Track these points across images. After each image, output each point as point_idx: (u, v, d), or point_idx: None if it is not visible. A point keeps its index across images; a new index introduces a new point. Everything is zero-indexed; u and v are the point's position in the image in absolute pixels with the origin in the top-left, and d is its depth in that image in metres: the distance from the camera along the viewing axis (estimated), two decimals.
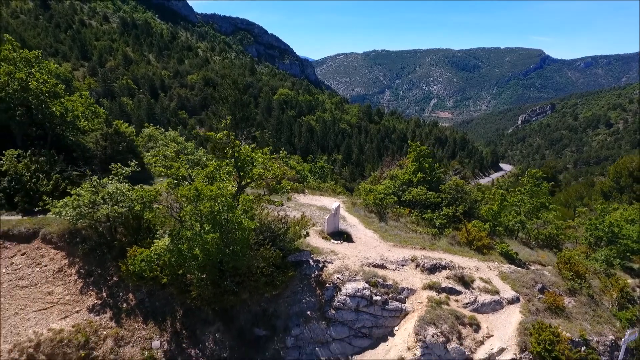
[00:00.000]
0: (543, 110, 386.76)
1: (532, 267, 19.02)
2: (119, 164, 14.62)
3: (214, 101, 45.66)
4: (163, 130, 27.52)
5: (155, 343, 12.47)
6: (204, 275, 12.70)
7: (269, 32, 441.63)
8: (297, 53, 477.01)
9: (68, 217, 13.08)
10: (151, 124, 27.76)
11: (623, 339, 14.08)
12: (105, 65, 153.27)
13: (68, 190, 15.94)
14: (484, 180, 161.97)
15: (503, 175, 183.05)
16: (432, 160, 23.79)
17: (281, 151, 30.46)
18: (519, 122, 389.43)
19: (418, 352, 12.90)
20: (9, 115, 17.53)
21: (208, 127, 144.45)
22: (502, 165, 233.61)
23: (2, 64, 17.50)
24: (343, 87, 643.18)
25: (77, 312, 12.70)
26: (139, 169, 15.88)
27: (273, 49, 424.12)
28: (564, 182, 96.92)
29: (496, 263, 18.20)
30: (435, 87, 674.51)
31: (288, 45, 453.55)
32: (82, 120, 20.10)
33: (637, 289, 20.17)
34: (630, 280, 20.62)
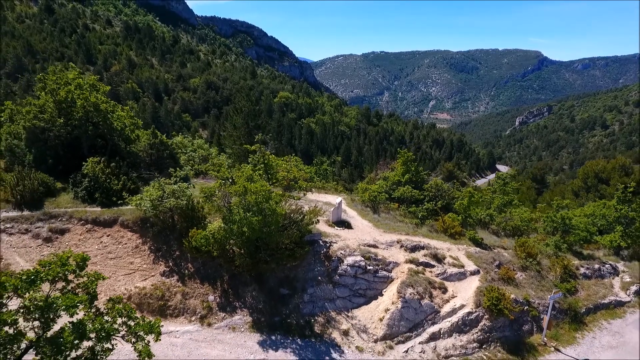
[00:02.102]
0: (540, 112, 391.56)
1: (495, 250, 23.88)
2: (178, 168, 19.50)
3: (229, 111, 50.56)
4: (190, 138, 32.39)
5: (210, 297, 17.30)
6: (243, 250, 17.51)
7: (269, 34, 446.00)
8: (297, 54, 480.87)
9: (144, 208, 17.94)
10: (180, 134, 32.60)
11: (550, 297, 18.94)
12: (110, 69, 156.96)
13: (131, 188, 20.90)
14: (480, 181, 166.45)
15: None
16: (417, 164, 28.74)
17: (292, 156, 35.32)
18: (517, 123, 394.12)
19: (399, 305, 17.74)
20: (82, 131, 22.35)
21: (211, 129, 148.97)
22: (498, 166, 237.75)
23: (76, 90, 22.30)
24: (342, 89, 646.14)
25: (152, 276, 17.53)
26: (192, 171, 20.71)
27: (272, 51, 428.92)
28: (553, 182, 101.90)
29: (465, 246, 23.07)
30: (433, 88, 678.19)
31: (287, 48, 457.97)
32: (132, 132, 24.92)
33: (581, 268, 25.08)
34: (576, 262, 25.51)
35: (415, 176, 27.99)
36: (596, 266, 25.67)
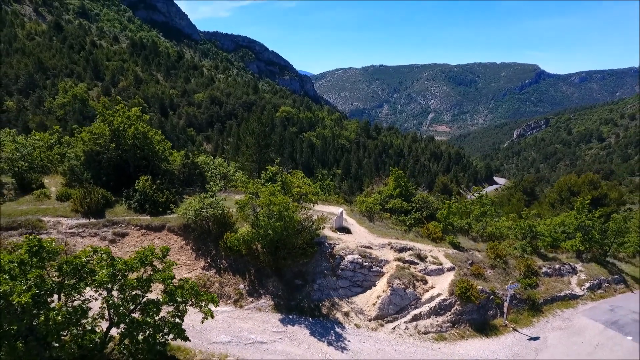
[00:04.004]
0: (537, 124, 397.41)
1: (470, 252, 28.75)
2: (213, 185, 24.48)
3: (242, 132, 55.88)
4: (212, 157, 37.45)
5: (241, 286, 22.16)
6: (266, 249, 22.40)
7: (270, 49, 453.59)
8: (297, 67, 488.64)
9: (188, 216, 22.88)
10: (203, 154, 37.60)
11: (508, 286, 23.80)
12: (118, 85, 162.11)
13: (172, 200, 25.84)
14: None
15: (496, 189, 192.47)
16: (406, 180, 33.78)
17: (300, 172, 40.32)
18: (515, 136, 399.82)
19: (389, 293, 22.58)
20: (131, 154, 27.39)
21: (215, 143, 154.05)
22: (496, 178, 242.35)
23: (126, 120, 27.36)
24: (342, 102, 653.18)
25: (195, 269, 22.40)
26: (222, 188, 25.64)
27: (273, 66, 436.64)
28: (543, 195, 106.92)
29: (444, 248, 27.97)
30: (432, 101, 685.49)
31: (288, 62, 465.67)
32: (170, 155, 29.96)
33: (543, 267, 29.91)
34: (540, 262, 30.37)
35: (405, 190, 33.02)
36: (557, 266, 30.52)
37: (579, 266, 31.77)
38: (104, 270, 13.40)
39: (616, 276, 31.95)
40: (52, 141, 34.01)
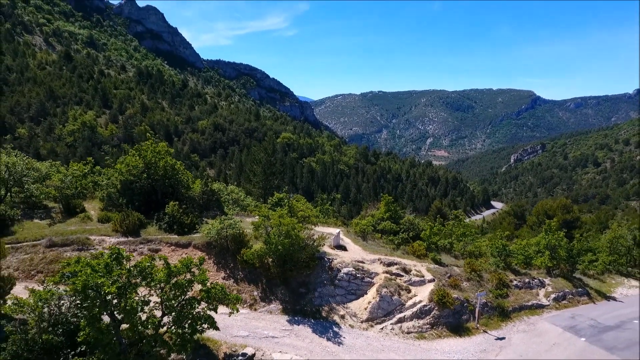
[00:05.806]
0: (534, 149, 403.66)
1: (449, 267, 33.30)
2: (231, 209, 29.25)
3: (248, 160, 61.01)
4: (225, 185, 42.37)
5: (255, 293, 26.70)
6: (275, 263, 27.03)
7: (270, 76, 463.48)
8: (297, 93, 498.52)
9: (211, 235, 27.59)
10: (217, 181, 42.45)
11: (477, 294, 28.32)
12: (125, 113, 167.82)
13: (195, 222, 30.58)
14: (474, 218, 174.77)
15: (494, 213, 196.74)
16: (395, 204, 38.60)
17: (301, 196, 45.23)
18: (512, 160, 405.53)
19: (377, 299, 27.11)
20: (160, 183, 32.26)
21: (218, 168, 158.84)
22: (493, 203, 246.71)
23: (157, 154, 32.31)
24: (341, 127, 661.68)
25: (217, 279, 26.95)
26: (237, 212, 30.44)
27: (274, 92, 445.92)
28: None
29: (427, 263, 32.56)
30: (430, 126, 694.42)
31: (288, 89, 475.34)
32: (193, 183, 34.82)
33: (514, 281, 34.39)
34: (512, 276, 34.87)
35: (394, 214, 37.84)
36: (527, 280, 35.02)
37: (547, 280, 36.22)
38: (160, 273, 18.04)
39: (580, 289, 36.37)
40: (87, 171, 38.90)
